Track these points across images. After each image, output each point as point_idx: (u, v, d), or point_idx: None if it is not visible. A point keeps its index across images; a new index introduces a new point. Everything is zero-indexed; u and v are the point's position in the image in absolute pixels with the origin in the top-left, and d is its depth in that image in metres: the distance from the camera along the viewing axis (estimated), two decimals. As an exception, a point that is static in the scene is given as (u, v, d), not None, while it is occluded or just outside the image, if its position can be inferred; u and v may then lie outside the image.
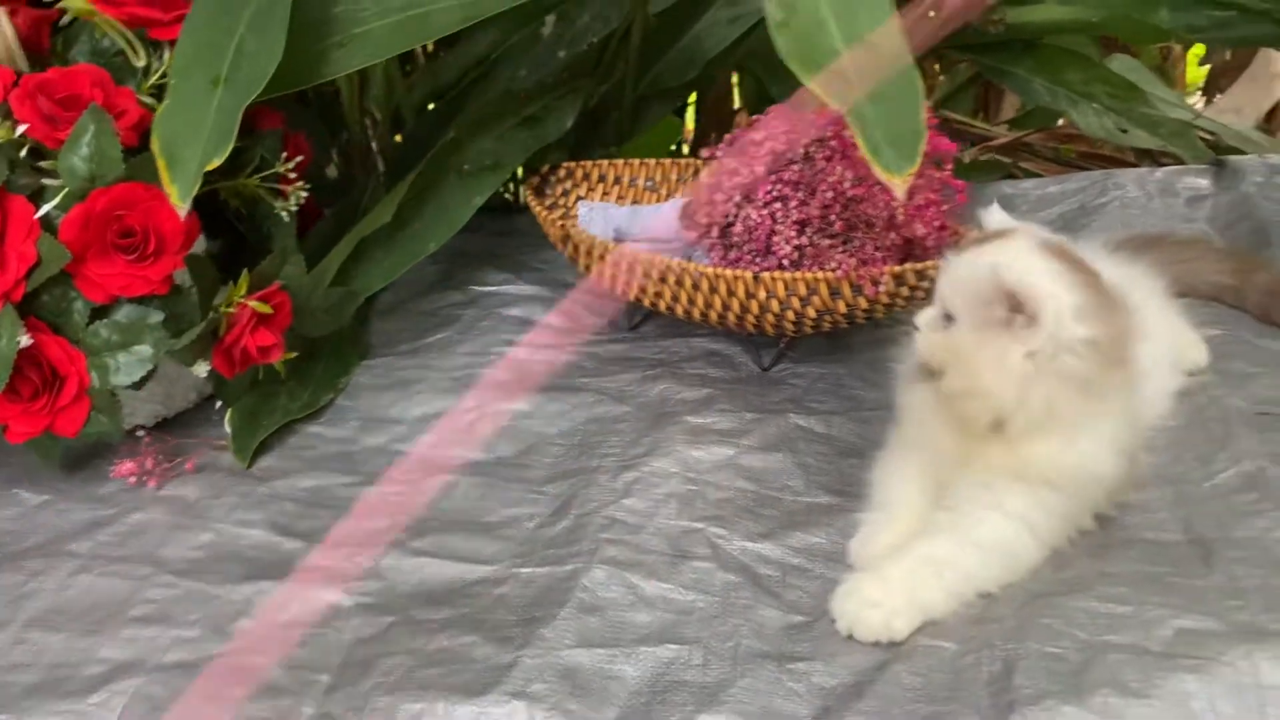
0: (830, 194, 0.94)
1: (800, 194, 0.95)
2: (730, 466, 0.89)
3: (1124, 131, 1.45)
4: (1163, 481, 0.83)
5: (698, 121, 1.79)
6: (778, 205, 0.96)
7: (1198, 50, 2.25)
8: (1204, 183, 1.29)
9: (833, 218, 0.95)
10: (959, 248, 0.77)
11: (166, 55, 0.94)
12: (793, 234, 0.95)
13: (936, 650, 0.69)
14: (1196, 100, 2.27)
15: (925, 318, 0.76)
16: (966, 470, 0.76)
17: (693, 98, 1.73)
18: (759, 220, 0.96)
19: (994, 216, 0.80)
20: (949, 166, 0.97)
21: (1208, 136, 1.70)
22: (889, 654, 0.69)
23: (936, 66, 2.09)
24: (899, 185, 0.71)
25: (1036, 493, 0.74)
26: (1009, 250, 0.73)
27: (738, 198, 0.98)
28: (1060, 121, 1.73)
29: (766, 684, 0.67)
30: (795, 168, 0.96)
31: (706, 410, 0.96)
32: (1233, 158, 1.32)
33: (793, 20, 0.76)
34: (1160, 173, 1.32)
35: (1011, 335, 0.71)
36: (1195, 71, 2.31)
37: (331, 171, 1.41)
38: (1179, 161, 1.43)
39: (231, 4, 0.92)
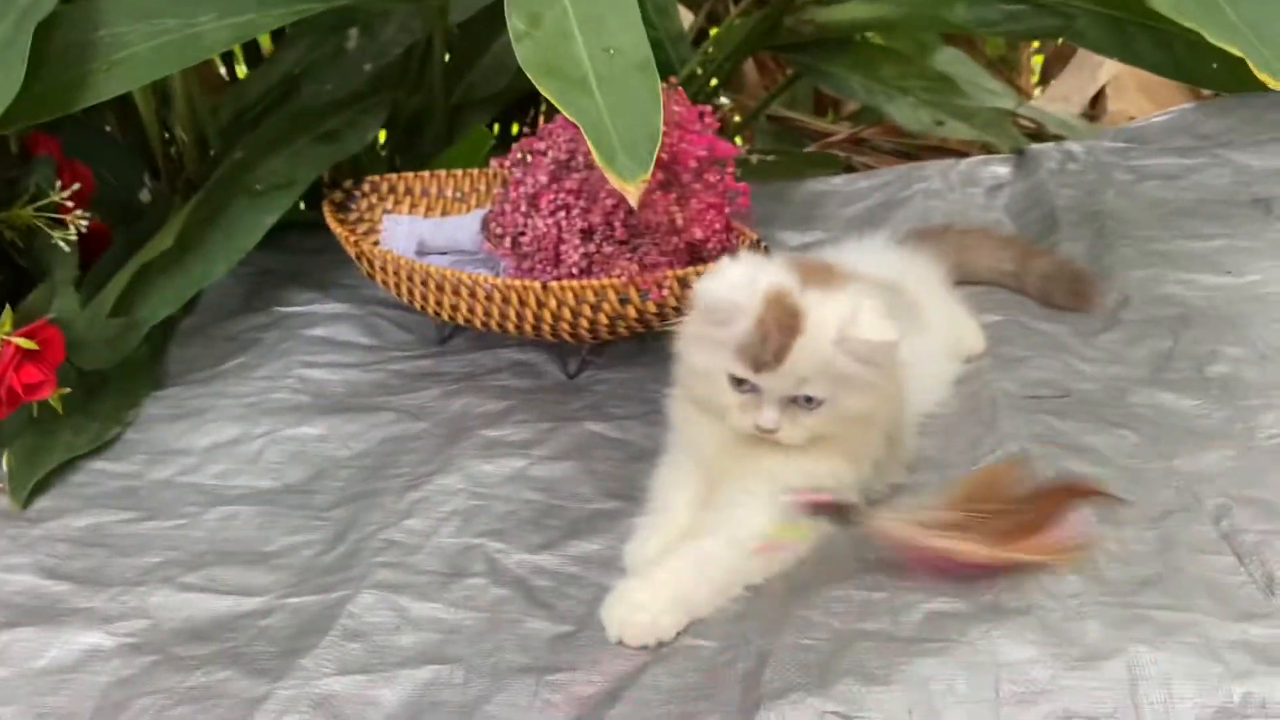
0: (610, 201, 0.94)
1: (583, 202, 0.96)
2: (520, 479, 0.88)
3: (940, 124, 1.49)
4: (930, 466, 0.85)
5: (521, 130, 1.78)
6: (562, 214, 0.96)
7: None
8: (1005, 171, 1.33)
9: (616, 224, 0.95)
10: (781, 345, 0.73)
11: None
12: (578, 242, 0.95)
13: (697, 650, 0.70)
14: (1039, 89, 2.34)
15: (770, 419, 0.74)
16: (733, 475, 0.77)
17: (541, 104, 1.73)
18: (546, 229, 0.96)
19: (726, 293, 0.75)
20: (730, 169, 0.99)
21: (1031, 125, 1.77)
22: (652, 656, 0.70)
23: (774, 68, 2.12)
24: (633, 193, 0.71)
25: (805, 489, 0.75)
26: (829, 312, 0.74)
27: (524, 207, 0.98)
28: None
29: (524, 698, 0.67)
30: (577, 176, 0.96)
31: (503, 423, 0.95)
32: (1034, 145, 1.36)
33: (535, 32, 0.77)
34: (964, 163, 1.36)
35: (878, 363, 0.75)
36: (1040, 57, 2.38)
37: (145, 195, 1.37)
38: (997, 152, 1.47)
39: (-24, 32, 0.89)
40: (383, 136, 1.42)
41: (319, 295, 1.18)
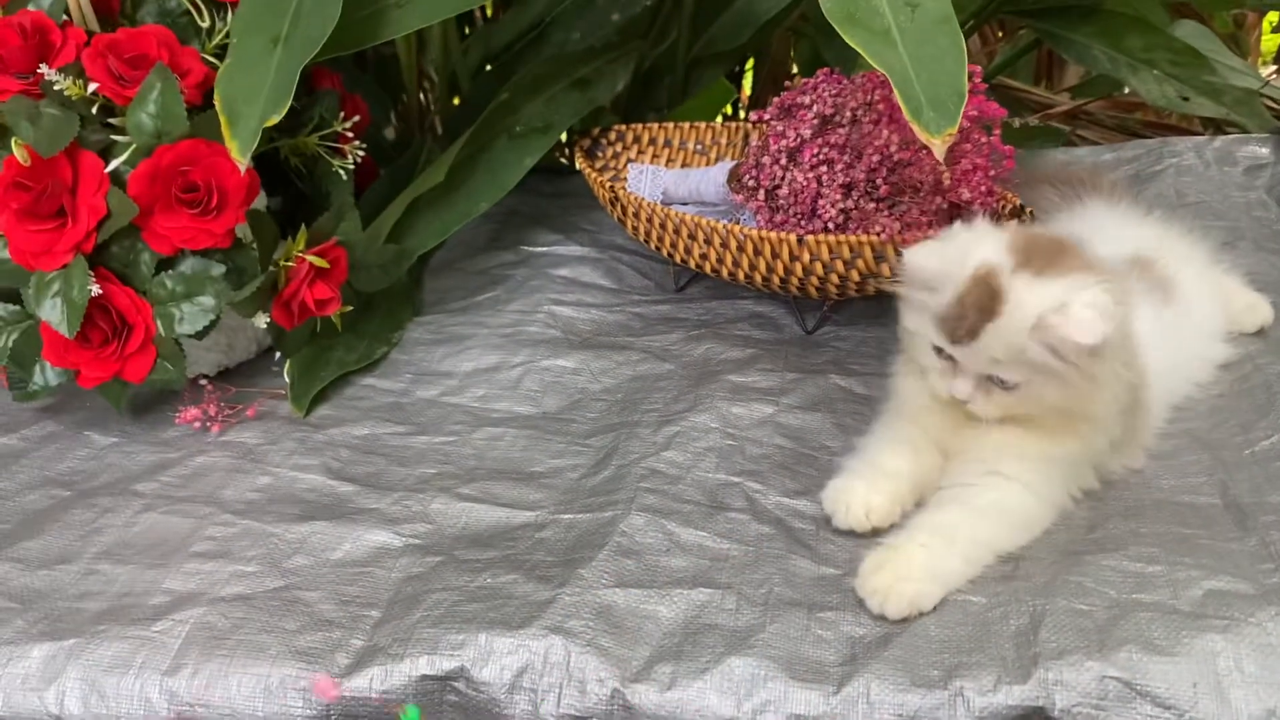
0: (876, 158, 0.94)
1: (846, 158, 0.96)
2: (769, 424, 0.90)
3: (1185, 99, 1.42)
4: (1200, 446, 0.83)
5: (755, 86, 1.79)
6: (824, 169, 0.96)
7: (1272, 18, 2.19)
8: (1265, 151, 1.27)
9: (879, 181, 0.95)
10: (977, 324, 0.73)
11: (230, 17, 0.97)
12: (838, 197, 0.96)
13: (965, 604, 0.71)
14: (1270, 70, 2.21)
15: (963, 389, 0.75)
16: (961, 449, 0.78)
17: (750, 62, 1.74)
18: (805, 183, 0.97)
19: (928, 264, 0.76)
20: (997, 131, 0.97)
21: (1276, 106, 1.67)
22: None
23: (999, 33, 2.06)
24: (939, 146, 0.72)
25: (1034, 461, 0.76)
26: (1032, 300, 0.72)
27: (784, 161, 0.99)
28: (1127, 90, 1.71)
29: (796, 630, 0.69)
30: (842, 131, 0.97)
31: (749, 369, 0.97)
32: (1294, 127, 1.29)
33: (839, -18, 0.77)
34: (1219, 140, 1.30)
35: (1096, 359, 0.72)
36: (1271, 40, 2.25)
37: (389, 133, 1.44)
38: (1244, 131, 1.41)
39: (292, -34, 0.95)
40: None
41: (561, 238, 1.22)
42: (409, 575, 0.76)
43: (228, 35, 0.97)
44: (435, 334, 1.07)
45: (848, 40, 0.74)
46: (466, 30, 1.50)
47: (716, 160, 1.22)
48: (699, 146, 1.23)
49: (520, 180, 1.13)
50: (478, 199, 1.09)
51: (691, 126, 1.23)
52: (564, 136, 1.32)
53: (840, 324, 1.06)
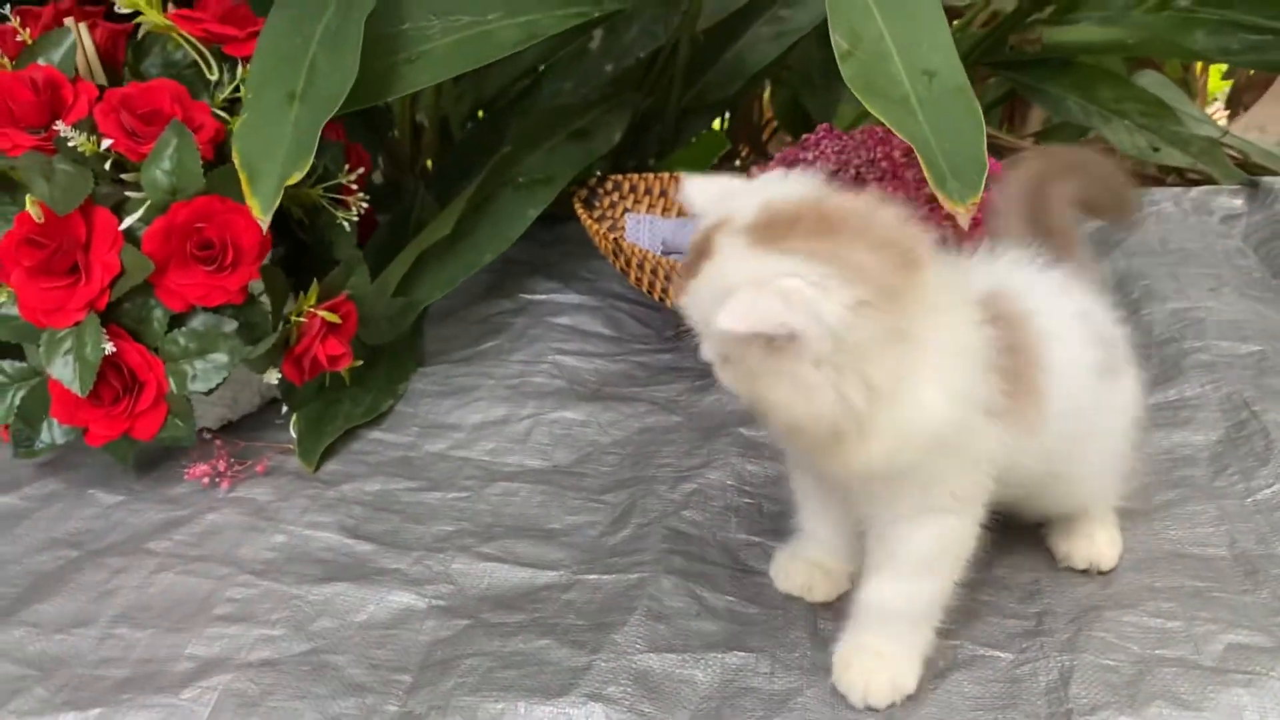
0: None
1: (853, 214, 0.98)
2: (784, 480, 0.91)
3: (1156, 149, 1.47)
4: (1204, 496, 0.85)
5: (728, 131, 1.82)
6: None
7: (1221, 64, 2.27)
8: (1237, 202, 1.31)
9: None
10: (688, 272, 0.65)
11: (239, 69, 0.97)
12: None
13: (994, 660, 0.72)
14: (1216, 111, 2.29)
15: (705, 351, 0.66)
16: (851, 486, 0.70)
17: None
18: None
19: (693, 194, 0.67)
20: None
21: (1235, 154, 1.74)
22: (949, 662, 0.72)
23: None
24: (964, 214, 0.74)
25: (921, 480, 0.67)
26: (724, 271, 0.62)
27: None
28: (1092, 134, 1.76)
29: (833, 694, 0.70)
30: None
31: (757, 422, 0.99)
32: (1265, 179, 1.34)
33: (857, 50, 0.79)
34: (1195, 191, 1.35)
35: (787, 355, 0.61)
36: (1215, 82, 2.33)
37: (377, 177, 1.44)
38: (1206, 178, 1.46)
39: (303, 22, 0.95)
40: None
41: (560, 285, 1.23)
42: (437, 639, 0.76)
43: (237, 89, 0.96)
44: (440, 385, 1.07)
45: (871, 110, 0.76)
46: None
47: (713, 210, 1.23)
48: (695, 197, 1.24)
49: (523, 231, 1.14)
50: (483, 250, 1.10)
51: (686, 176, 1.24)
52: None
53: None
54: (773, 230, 0.61)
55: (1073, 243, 0.79)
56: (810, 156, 1.01)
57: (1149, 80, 1.76)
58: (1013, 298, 0.69)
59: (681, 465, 0.94)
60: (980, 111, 0.77)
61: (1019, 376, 0.67)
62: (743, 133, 1.90)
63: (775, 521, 0.86)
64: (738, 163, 1.81)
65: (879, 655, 0.69)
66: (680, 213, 1.24)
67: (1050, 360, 0.69)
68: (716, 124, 1.79)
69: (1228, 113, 2.30)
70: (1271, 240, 1.22)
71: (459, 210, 1.07)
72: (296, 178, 0.86)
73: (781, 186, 0.65)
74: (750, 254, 0.61)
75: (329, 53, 0.93)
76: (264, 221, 0.85)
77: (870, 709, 0.69)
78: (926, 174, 0.74)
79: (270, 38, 0.94)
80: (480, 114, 1.41)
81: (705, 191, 0.67)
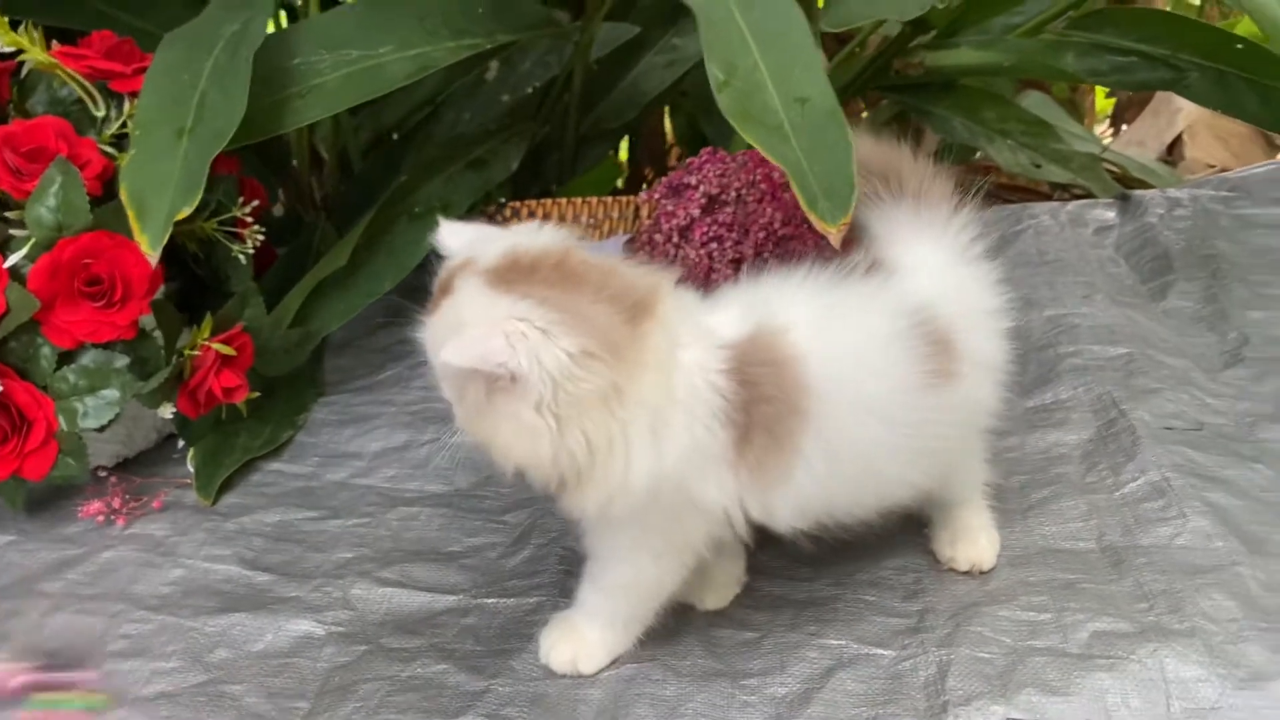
0: (762, 234, 1.00)
1: (735, 234, 1.01)
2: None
3: (1038, 166, 1.54)
4: (1076, 492, 0.90)
5: (632, 156, 1.86)
6: (714, 245, 1.01)
7: (1105, 84, 2.37)
8: (1110, 215, 1.38)
9: (766, 256, 1.01)
10: (428, 308, 0.69)
11: (126, 105, 0.97)
12: (730, 272, 1.01)
13: (876, 658, 0.75)
14: (1105, 130, 2.39)
15: (445, 392, 0.70)
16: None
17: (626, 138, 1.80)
18: (697, 260, 1.02)
19: (447, 238, 0.71)
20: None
21: (1114, 169, 1.82)
22: (834, 661, 0.75)
23: (862, 105, 2.18)
24: (835, 235, 0.77)
25: (637, 527, 0.71)
26: (459, 308, 0.65)
27: (676, 239, 1.04)
28: (978, 155, 1.83)
29: (722, 697, 0.72)
30: (729, 210, 1.02)
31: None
32: (1136, 192, 1.41)
33: (733, 80, 0.82)
34: (1071, 205, 1.41)
35: (511, 396, 0.63)
36: (1104, 101, 2.44)
37: (277, 209, 1.44)
38: (1089, 193, 1.53)
39: (192, 58, 0.96)
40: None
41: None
42: (335, 665, 0.77)
43: (124, 125, 0.97)
44: (340, 414, 1.08)
45: (745, 136, 0.80)
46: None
47: (609, 234, 1.26)
48: (591, 220, 1.27)
49: (419, 260, 1.15)
50: (380, 280, 1.11)
51: (584, 201, 1.27)
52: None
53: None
54: (511, 275, 0.65)
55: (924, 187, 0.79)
56: (694, 180, 1.04)
57: (1033, 100, 1.84)
58: (780, 339, 0.69)
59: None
60: (850, 135, 0.81)
61: (767, 427, 0.68)
62: (648, 156, 1.94)
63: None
64: (645, 186, 1.84)
65: (573, 630, 0.75)
66: (578, 238, 1.27)
67: (825, 401, 0.69)
68: (624, 148, 1.82)
69: (1113, 130, 2.40)
70: (1141, 249, 1.29)
71: (354, 240, 1.08)
72: (185, 213, 0.86)
73: (530, 236, 0.68)
74: (485, 294, 0.64)
75: (218, 88, 0.94)
76: (153, 257, 0.85)
77: (549, 669, 0.74)
78: (799, 196, 0.77)
79: (158, 74, 0.95)
80: (380, 145, 1.42)
81: (459, 235, 0.70)
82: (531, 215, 1.26)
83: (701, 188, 1.04)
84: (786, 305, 0.72)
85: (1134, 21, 1.42)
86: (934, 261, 0.77)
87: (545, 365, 0.62)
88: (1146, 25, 1.39)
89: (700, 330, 0.70)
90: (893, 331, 0.72)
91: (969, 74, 1.51)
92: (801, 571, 0.83)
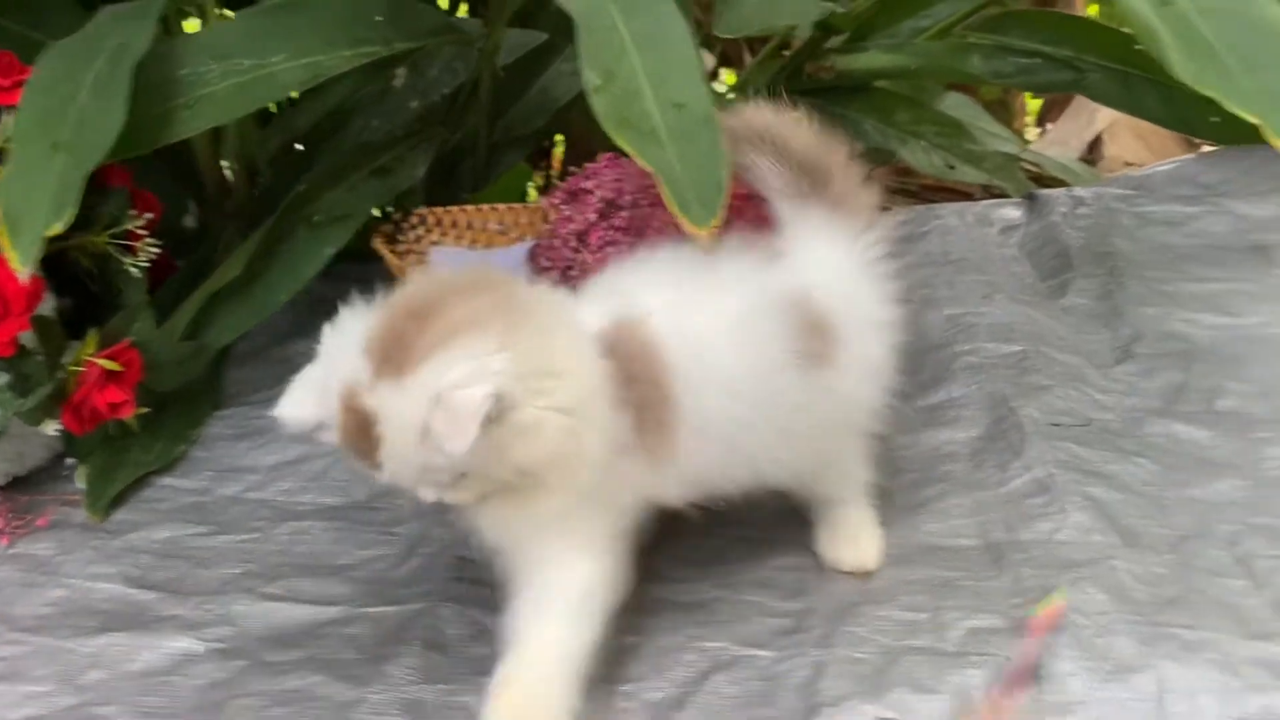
0: (658, 238, 1.00)
1: (630, 238, 1.01)
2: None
3: (951, 167, 1.56)
4: (963, 489, 0.91)
5: (565, 161, 1.85)
6: (610, 249, 1.01)
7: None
8: (1017, 214, 1.39)
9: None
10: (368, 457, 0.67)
11: (7, 119, 0.96)
12: (627, 277, 1.01)
13: (753, 659, 0.75)
14: (1037, 130, 2.43)
15: (435, 494, 0.69)
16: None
17: (560, 139, 1.80)
18: (594, 264, 1.02)
19: (291, 414, 0.72)
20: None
21: (1033, 169, 1.84)
22: (712, 664, 0.75)
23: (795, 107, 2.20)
24: (705, 238, 0.77)
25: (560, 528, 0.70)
26: (400, 416, 0.64)
27: (574, 243, 1.04)
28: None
29: (599, 703, 0.72)
30: (624, 214, 1.02)
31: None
32: (1043, 191, 1.43)
33: (610, 86, 0.83)
34: (978, 205, 1.43)
35: (506, 422, 0.64)
36: (1034, 101, 2.47)
37: (189, 221, 1.42)
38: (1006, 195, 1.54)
39: (73, 70, 0.94)
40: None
41: (368, 322, 1.23)
42: (213, 682, 0.76)
43: (8, 140, 0.95)
44: (237, 428, 1.07)
45: (617, 141, 0.80)
46: (274, 109, 1.50)
47: (517, 239, 1.26)
48: (500, 226, 1.27)
49: (324, 268, 1.14)
50: (277, 291, 1.10)
51: (492, 208, 1.27)
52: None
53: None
54: (391, 357, 0.64)
55: (829, 178, 0.79)
56: (591, 185, 1.04)
57: (953, 102, 1.86)
58: (641, 325, 0.70)
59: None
60: (723, 140, 0.81)
61: (646, 409, 0.69)
62: (579, 160, 1.94)
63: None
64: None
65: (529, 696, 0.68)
66: (487, 244, 1.27)
67: (688, 382, 0.70)
68: (560, 150, 1.82)
69: (1040, 130, 2.44)
70: (1043, 248, 1.30)
71: (249, 252, 1.07)
72: (57, 229, 0.85)
73: (356, 325, 0.69)
74: (399, 387, 0.63)
75: (97, 101, 0.93)
76: (23, 274, 0.84)
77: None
78: (668, 200, 0.78)
79: (37, 87, 0.93)
80: (288, 154, 1.41)
81: (303, 403, 0.71)
82: (439, 223, 1.26)
83: (598, 193, 1.04)
84: (647, 291, 0.73)
85: (1037, 23, 1.44)
86: (827, 257, 0.78)
87: (496, 371, 0.63)
88: (1050, 27, 1.41)
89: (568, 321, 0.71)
90: (754, 311, 0.72)
91: (877, 77, 1.53)
92: (688, 573, 0.83)
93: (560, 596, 0.69)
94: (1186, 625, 0.74)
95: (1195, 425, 0.97)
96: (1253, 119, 0.84)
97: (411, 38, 1.17)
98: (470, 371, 0.62)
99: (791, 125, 0.81)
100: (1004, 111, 2.34)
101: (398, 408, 0.63)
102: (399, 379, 0.63)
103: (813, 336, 0.73)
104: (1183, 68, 0.87)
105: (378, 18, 1.13)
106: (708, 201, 0.77)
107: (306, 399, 0.69)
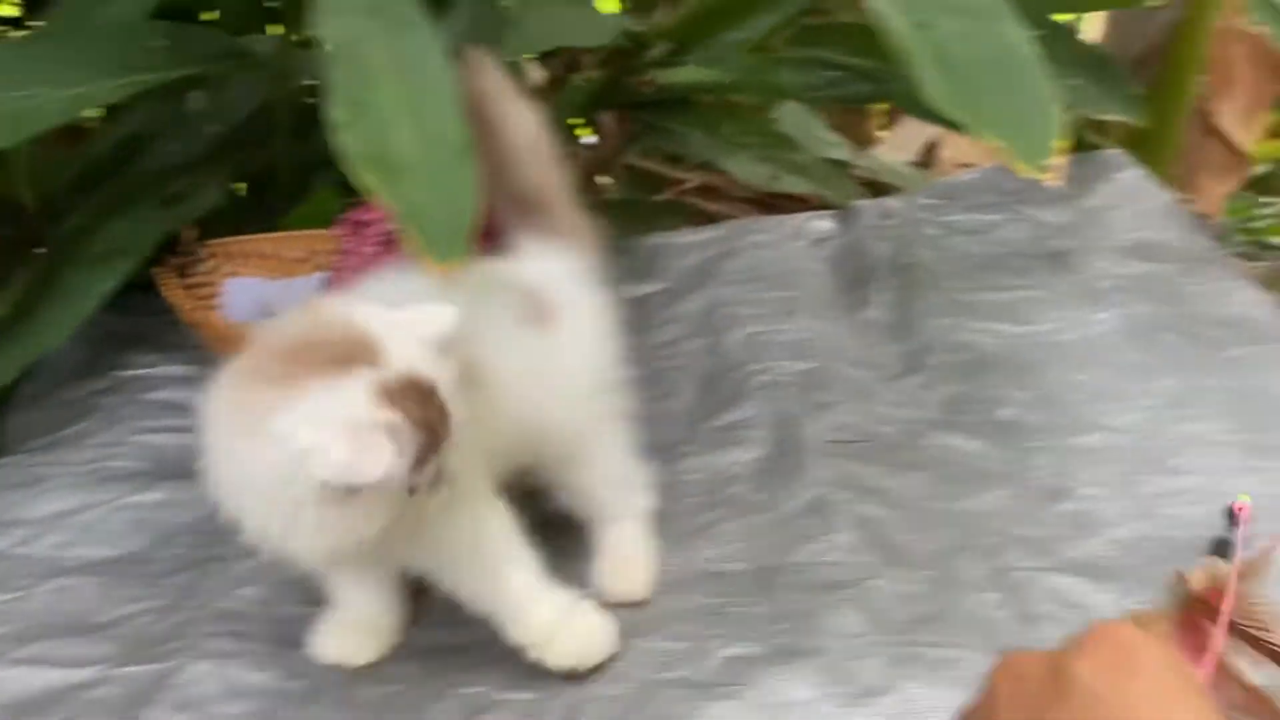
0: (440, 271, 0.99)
1: (415, 271, 1.00)
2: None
3: (777, 178, 1.57)
4: (738, 513, 0.91)
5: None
6: (395, 283, 1.00)
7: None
8: (830, 225, 1.41)
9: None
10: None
11: None
12: (410, 309, 0.99)
13: (513, 703, 0.75)
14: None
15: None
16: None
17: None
18: (379, 298, 1.00)
19: None
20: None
21: (869, 174, 1.87)
22: (470, 710, 0.74)
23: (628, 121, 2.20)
24: (447, 272, 0.76)
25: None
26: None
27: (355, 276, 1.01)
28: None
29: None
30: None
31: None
32: (857, 202, 1.45)
33: (360, 120, 0.81)
34: (795, 218, 1.44)
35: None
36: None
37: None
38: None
39: None
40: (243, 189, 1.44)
41: (161, 358, 1.19)
42: (-55, 757, 0.72)
43: None
44: (11, 478, 1.02)
45: (361, 180, 0.78)
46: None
47: (319, 268, 1.23)
48: (301, 255, 1.23)
49: (113, 298, 1.10)
50: (51, 330, 1.05)
51: (292, 235, 1.24)
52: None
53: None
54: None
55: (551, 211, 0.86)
56: (370, 217, 1.03)
57: (788, 110, 1.87)
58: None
59: (255, 538, 0.92)
60: (475, 173, 0.80)
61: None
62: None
63: (335, 587, 0.87)
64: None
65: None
66: (287, 273, 1.23)
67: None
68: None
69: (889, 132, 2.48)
70: (849, 260, 1.32)
71: (18, 290, 1.03)
72: None
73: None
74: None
75: None
76: None
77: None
78: (411, 239, 0.76)
79: None
80: (84, 183, 1.35)
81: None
82: (234, 254, 1.22)
83: (375, 225, 1.02)
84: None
85: (843, 36, 1.46)
86: (548, 256, 0.84)
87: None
88: (854, 39, 1.43)
89: None
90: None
91: (696, 91, 1.53)
92: (448, 617, 0.81)
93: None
94: (935, 643, 0.76)
95: (972, 436, 0.99)
96: (999, 143, 0.86)
97: (192, 63, 1.13)
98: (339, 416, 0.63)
99: (527, 157, 0.85)
100: (858, 116, 2.39)
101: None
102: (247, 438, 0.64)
103: (534, 307, 0.80)
104: (935, 91, 0.88)
105: (154, 44, 1.09)
106: (455, 237, 0.76)
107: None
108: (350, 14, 0.87)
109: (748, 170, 1.57)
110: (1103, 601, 0.79)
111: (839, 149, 1.87)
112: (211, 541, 0.93)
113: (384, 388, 0.63)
